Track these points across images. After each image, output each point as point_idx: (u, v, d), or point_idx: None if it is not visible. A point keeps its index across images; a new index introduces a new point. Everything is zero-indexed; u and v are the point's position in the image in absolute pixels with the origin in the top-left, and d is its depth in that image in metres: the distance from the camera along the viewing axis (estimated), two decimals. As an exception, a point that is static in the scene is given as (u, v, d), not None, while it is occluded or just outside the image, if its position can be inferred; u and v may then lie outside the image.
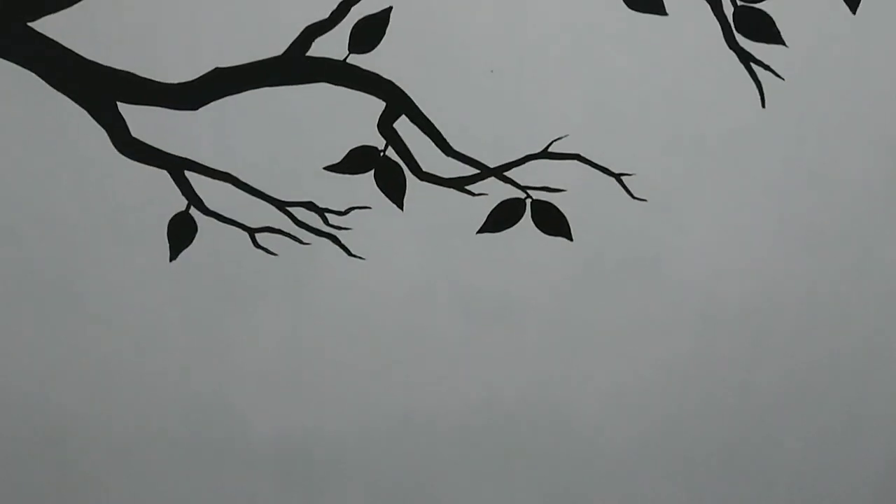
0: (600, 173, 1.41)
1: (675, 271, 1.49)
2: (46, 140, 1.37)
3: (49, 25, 1.30)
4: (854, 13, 1.33)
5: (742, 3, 1.32)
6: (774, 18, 1.33)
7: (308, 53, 1.33)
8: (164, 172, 1.39)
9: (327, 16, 1.31)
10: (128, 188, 1.40)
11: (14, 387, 1.50)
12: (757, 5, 1.32)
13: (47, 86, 1.33)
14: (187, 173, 1.39)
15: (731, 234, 1.47)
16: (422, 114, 1.37)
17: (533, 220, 1.43)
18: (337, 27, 1.32)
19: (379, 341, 1.51)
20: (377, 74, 1.34)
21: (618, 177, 1.42)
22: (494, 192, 1.42)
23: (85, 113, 1.35)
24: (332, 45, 1.33)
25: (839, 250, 1.49)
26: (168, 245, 1.42)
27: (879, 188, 1.45)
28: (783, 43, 1.34)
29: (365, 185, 1.40)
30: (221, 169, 1.39)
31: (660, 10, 1.32)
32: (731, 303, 1.51)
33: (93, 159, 1.38)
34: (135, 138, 1.37)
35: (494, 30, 1.33)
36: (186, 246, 1.43)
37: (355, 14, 1.31)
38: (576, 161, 1.40)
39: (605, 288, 1.49)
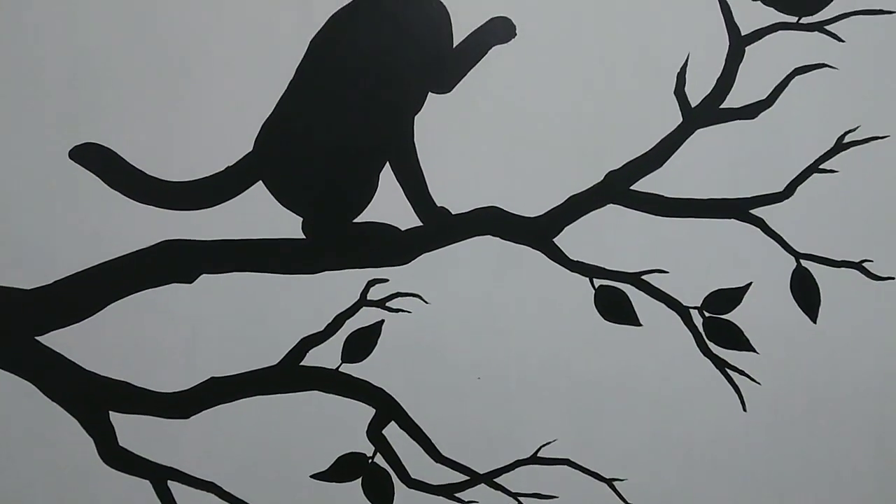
0: (592, 478, 1.39)
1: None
2: (31, 450, 1.36)
3: (54, 338, 1.36)
4: (815, 322, 1.41)
5: (709, 315, 1.40)
6: (742, 328, 1.40)
7: (301, 363, 1.37)
8: (146, 482, 1.35)
9: (322, 328, 1.37)
10: (107, 499, 1.35)
11: None
12: (724, 316, 1.40)
13: (42, 395, 1.35)
14: (170, 482, 1.36)
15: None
16: (411, 420, 1.38)
17: (526, 527, 1.37)
18: (331, 338, 1.38)
19: None
20: (368, 382, 1.38)
21: (609, 482, 1.39)
22: (485, 499, 1.38)
23: (74, 421, 1.35)
24: (325, 354, 1.38)
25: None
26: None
27: (872, 483, 1.43)
28: (754, 350, 1.41)
29: (352, 492, 1.36)
30: (206, 478, 1.36)
31: (633, 321, 1.40)
32: None
33: (75, 469, 1.35)
34: (122, 448, 1.35)
35: (480, 338, 1.39)
36: (156, 569, 1.35)
37: (349, 326, 1.38)
38: (566, 466, 1.39)
39: None
